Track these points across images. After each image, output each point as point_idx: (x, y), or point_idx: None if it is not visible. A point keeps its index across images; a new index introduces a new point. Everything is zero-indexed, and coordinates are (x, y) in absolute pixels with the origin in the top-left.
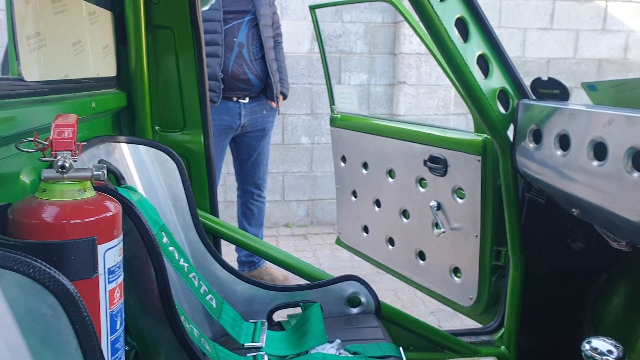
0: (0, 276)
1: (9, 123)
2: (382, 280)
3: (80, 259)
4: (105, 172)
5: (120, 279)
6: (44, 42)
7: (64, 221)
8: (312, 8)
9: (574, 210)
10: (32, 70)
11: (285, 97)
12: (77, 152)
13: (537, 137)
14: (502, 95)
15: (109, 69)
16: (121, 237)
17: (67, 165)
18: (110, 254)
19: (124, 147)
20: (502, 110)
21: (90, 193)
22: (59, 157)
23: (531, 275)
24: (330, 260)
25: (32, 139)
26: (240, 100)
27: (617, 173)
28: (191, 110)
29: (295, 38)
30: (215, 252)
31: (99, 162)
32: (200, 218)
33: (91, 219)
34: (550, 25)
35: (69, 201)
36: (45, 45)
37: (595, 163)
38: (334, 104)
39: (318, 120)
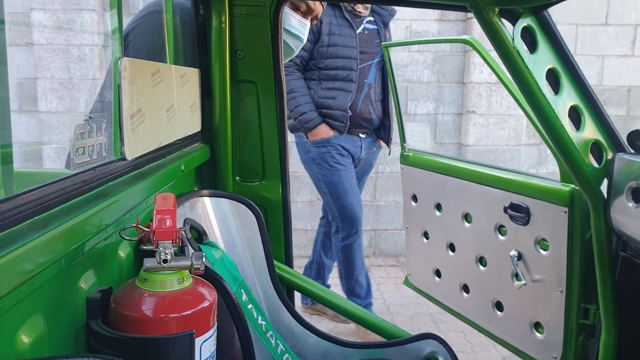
0: None
1: (113, 209)
2: (451, 320)
3: (178, 354)
4: (204, 260)
5: None
6: (144, 116)
7: (163, 315)
8: (385, 46)
9: None
10: (134, 148)
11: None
12: (177, 240)
13: (637, 195)
14: (595, 147)
15: (195, 126)
16: (216, 325)
17: (168, 258)
18: (206, 346)
19: (207, 200)
20: (595, 164)
21: (188, 281)
22: (160, 249)
23: (627, 341)
24: (395, 296)
25: (133, 225)
26: (361, 135)
27: None
28: (271, 160)
29: None
30: (290, 305)
31: (184, 221)
32: (275, 269)
33: (189, 312)
34: (632, 52)
35: (168, 292)
36: (145, 120)
37: None
38: (405, 142)
39: (383, 149)
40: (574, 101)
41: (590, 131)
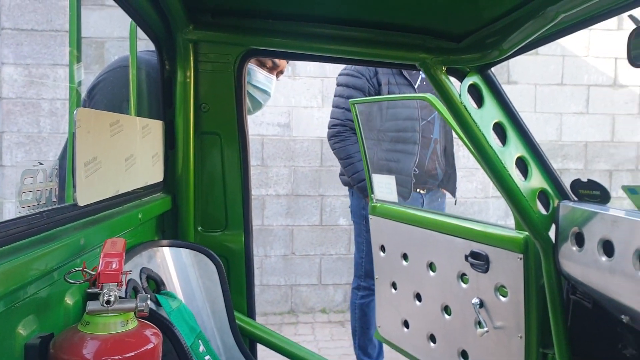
0: None
1: (59, 253)
2: None
3: None
4: (149, 302)
5: None
6: (99, 164)
7: (104, 358)
8: (353, 104)
9: (623, 317)
10: (86, 195)
11: None
12: (122, 283)
13: (580, 240)
14: (543, 195)
15: (157, 176)
16: None
17: (112, 299)
18: None
19: (166, 250)
20: (543, 211)
21: (133, 324)
22: (105, 291)
23: None
24: None
25: (80, 269)
26: (421, 192)
27: None
28: (234, 210)
29: None
30: (250, 357)
31: (141, 270)
32: (237, 321)
33: (132, 354)
34: (586, 110)
35: (111, 335)
36: (100, 168)
37: None
38: (372, 193)
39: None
40: (520, 152)
41: (536, 180)
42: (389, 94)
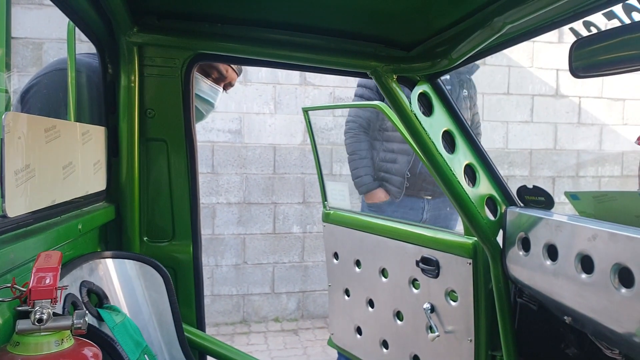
0: None
1: None
2: None
3: None
4: (87, 319)
5: None
6: (33, 172)
7: None
8: (305, 110)
9: (565, 318)
10: (18, 205)
11: None
12: (57, 299)
13: (526, 245)
14: (490, 202)
15: (98, 184)
16: None
17: (44, 317)
18: None
19: (109, 262)
20: (491, 217)
21: (69, 342)
22: (37, 308)
23: None
24: (321, 358)
25: (9, 285)
26: (426, 197)
27: (604, 287)
28: (181, 220)
29: (288, 131)
30: None
31: (81, 284)
32: (185, 333)
33: None
34: (531, 119)
35: (44, 355)
36: (34, 176)
37: (583, 275)
38: (326, 200)
39: (310, 209)
40: (469, 160)
41: (484, 187)
42: None
